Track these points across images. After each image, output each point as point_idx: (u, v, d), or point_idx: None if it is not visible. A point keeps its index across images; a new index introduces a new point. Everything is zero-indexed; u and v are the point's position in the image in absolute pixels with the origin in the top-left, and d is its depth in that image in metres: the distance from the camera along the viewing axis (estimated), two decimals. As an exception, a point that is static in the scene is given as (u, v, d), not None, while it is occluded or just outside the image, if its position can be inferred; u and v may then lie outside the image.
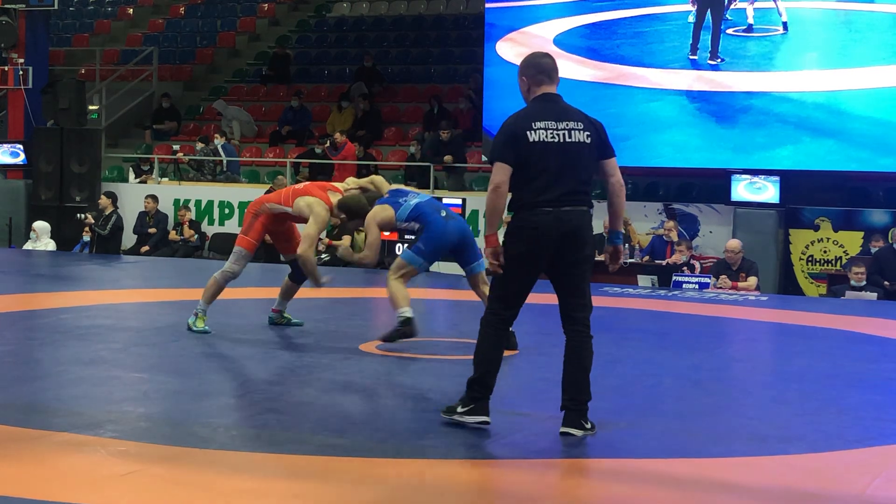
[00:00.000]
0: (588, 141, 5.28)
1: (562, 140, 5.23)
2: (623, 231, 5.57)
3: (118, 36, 24.37)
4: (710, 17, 15.16)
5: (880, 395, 6.73)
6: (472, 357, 7.49)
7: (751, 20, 14.84)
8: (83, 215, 15.86)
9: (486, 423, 5.29)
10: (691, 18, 15.14)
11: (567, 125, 5.26)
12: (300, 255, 7.91)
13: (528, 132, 5.23)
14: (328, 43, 22.39)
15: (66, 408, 5.64)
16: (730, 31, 15.08)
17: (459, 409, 5.33)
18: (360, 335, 8.03)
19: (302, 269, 8.06)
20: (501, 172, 5.19)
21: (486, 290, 7.93)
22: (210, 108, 21.07)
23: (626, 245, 14.54)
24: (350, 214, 7.96)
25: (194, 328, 8.10)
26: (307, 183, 8.56)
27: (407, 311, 7.55)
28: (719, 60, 15.06)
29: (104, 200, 15.93)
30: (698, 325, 9.82)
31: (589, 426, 5.30)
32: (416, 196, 8.02)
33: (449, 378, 6.77)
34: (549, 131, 5.23)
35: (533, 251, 5.23)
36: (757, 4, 15.06)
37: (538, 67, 5.46)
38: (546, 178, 5.20)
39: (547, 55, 5.56)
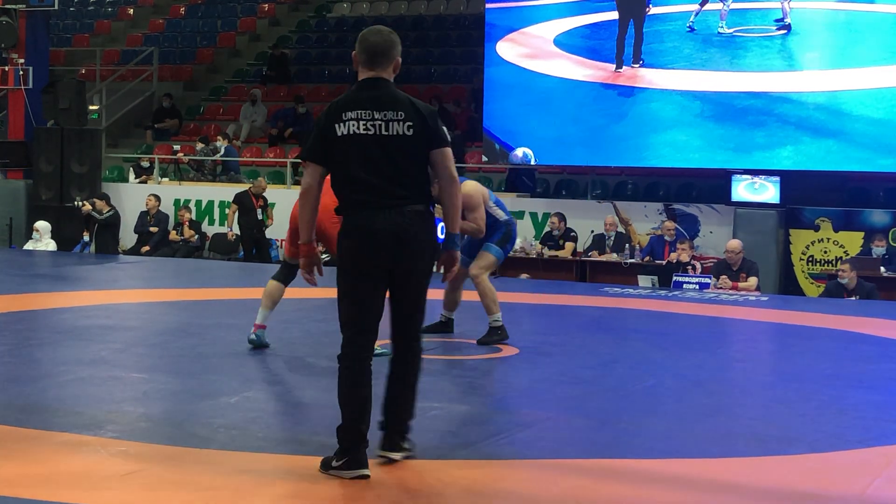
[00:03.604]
0: (409, 133, 4.57)
1: (378, 132, 4.56)
2: (457, 234, 4.81)
3: (118, 36, 24.37)
4: (633, 25, 15.36)
5: (881, 395, 6.73)
6: (471, 357, 7.51)
7: (788, 19, 14.81)
8: (80, 202, 15.83)
9: (365, 476, 4.49)
10: (716, 28, 15.17)
11: (386, 115, 4.57)
12: None
13: (336, 125, 4.58)
14: (328, 43, 22.40)
15: (66, 408, 5.64)
16: (731, 30, 15.08)
17: (334, 464, 4.54)
18: (361, 335, 8.01)
19: None
20: (309, 174, 4.66)
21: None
22: (211, 108, 21.09)
23: (627, 245, 14.56)
24: None
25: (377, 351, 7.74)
26: None
27: (500, 318, 7.93)
28: (640, 63, 15.22)
29: (100, 203, 15.91)
30: (698, 325, 9.82)
31: (408, 446, 4.80)
32: None
33: (449, 378, 6.77)
34: (361, 122, 4.56)
35: (367, 259, 4.58)
36: (759, 4, 15.08)
37: (362, 47, 4.68)
38: (366, 175, 4.56)
39: (379, 32, 4.73)
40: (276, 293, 7.51)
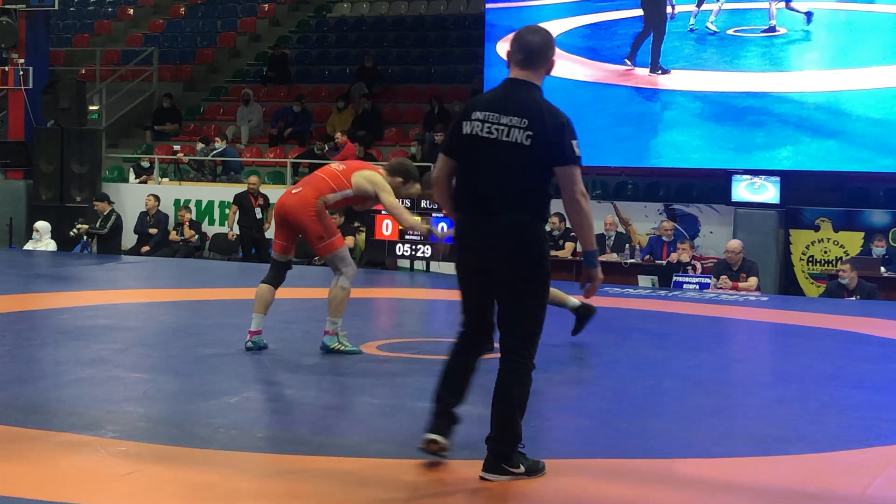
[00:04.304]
0: (527, 143, 4.36)
1: (497, 137, 4.40)
2: (596, 249, 4.80)
3: (118, 36, 24.38)
4: (652, 32, 15.37)
5: (881, 395, 6.73)
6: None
7: (773, 21, 14.83)
8: (76, 230, 15.79)
9: (428, 439, 4.65)
10: (705, 24, 15.18)
11: (511, 121, 4.40)
12: (405, 222, 7.42)
13: (464, 123, 4.49)
14: (329, 43, 22.40)
15: (66, 408, 5.64)
16: (730, 31, 15.09)
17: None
18: (361, 335, 8.02)
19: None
20: (437, 165, 4.63)
21: None
22: (211, 108, 21.09)
23: (627, 245, 14.55)
24: (407, 176, 7.39)
25: (345, 348, 7.30)
26: (346, 162, 7.73)
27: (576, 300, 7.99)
28: (660, 72, 15.16)
29: (100, 205, 15.90)
30: (699, 325, 9.82)
31: (514, 469, 4.51)
32: None
33: (449, 378, 6.76)
34: (486, 124, 4.42)
35: (461, 265, 4.59)
36: (758, 5, 15.08)
37: (518, 45, 4.55)
38: (475, 177, 4.47)
39: (538, 32, 4.63)
40: (268, 296, 7.43)
